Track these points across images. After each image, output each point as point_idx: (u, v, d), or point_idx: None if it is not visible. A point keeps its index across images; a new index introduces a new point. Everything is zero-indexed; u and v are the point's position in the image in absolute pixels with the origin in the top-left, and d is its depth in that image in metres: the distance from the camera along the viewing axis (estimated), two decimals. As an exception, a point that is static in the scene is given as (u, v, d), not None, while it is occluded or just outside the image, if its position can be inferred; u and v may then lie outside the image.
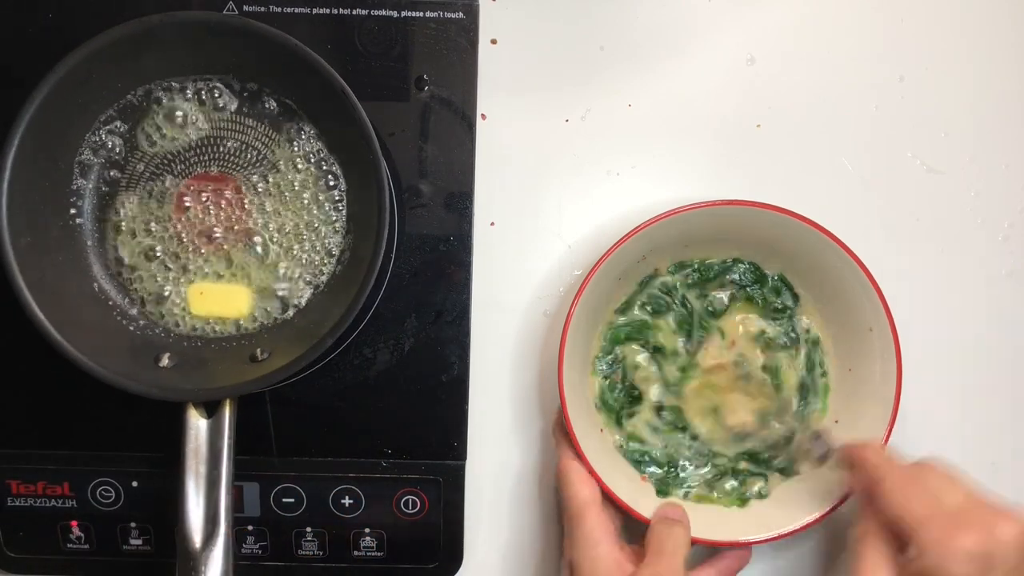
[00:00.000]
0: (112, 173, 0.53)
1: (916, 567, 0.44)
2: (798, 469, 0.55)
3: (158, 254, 0.53)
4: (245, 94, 0.53)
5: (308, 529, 0.55)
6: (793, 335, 0.57)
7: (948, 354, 0.58)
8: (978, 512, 0.44)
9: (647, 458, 0.56)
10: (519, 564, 0.58)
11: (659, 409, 0.56)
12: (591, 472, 0.51)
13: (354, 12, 0.54)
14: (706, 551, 0.54)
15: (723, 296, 0.56)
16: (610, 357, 0.56)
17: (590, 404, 0.56)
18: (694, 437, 0.56)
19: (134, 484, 0.54)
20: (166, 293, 0.53)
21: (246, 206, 0.53)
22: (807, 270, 0.55)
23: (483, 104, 0.56)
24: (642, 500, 0.53)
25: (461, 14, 0.55)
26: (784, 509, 0.54)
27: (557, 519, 0.57)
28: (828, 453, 0.52)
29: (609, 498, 0.51)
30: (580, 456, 0.51)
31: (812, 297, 0.56)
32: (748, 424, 0.56)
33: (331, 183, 0.53)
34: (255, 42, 0.49)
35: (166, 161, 0.53)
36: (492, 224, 0.57)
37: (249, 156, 0.53)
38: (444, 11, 0.55)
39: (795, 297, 0.57)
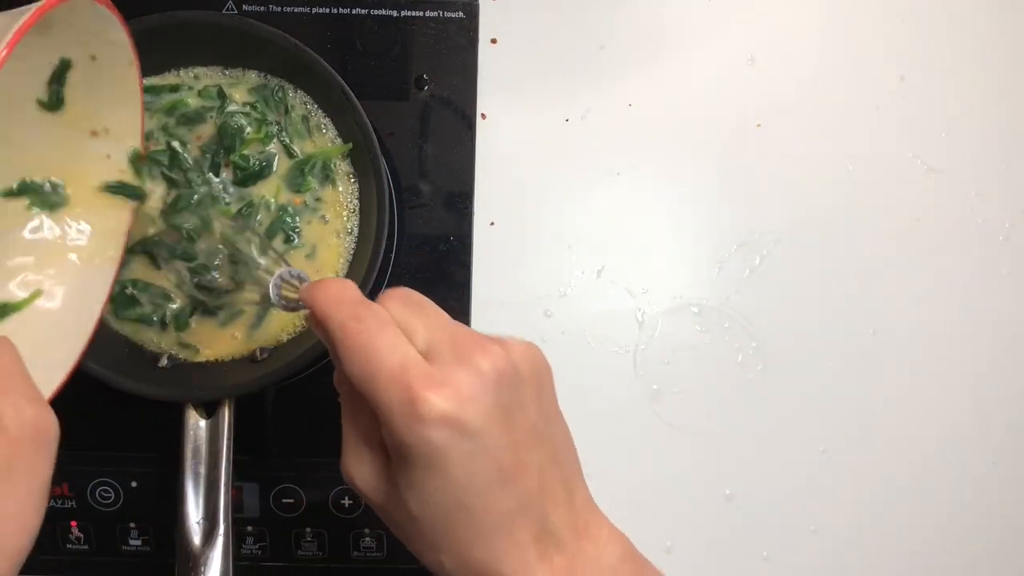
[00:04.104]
0: (112, 173, 0.53)
1: (393, 442, 0.34)
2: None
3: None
4: (245, 94, 0.53)
5: (308, 529, 0.55)
6: None
7: (948, 354, 0.58)
8: (450, 355, 0.34)
9: None
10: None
11: None
12: None
13: (354, 12, 0.54)
14: None
15: None
16: None
17: None
18: None
19: (134, 484, 0.54)
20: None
21: (246, 206, 0.53)
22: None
23: (483, 104, 0.56)
24: None
25: (461, 14, 0.55)
26: None
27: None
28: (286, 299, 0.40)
29: None
30: None
31: None
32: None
33: (331, 183, 0.53)
34: (254, 42, 0.49)
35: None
36: (492, 224, 0.57)
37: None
38: (444, 11, 0.54)
39: None
